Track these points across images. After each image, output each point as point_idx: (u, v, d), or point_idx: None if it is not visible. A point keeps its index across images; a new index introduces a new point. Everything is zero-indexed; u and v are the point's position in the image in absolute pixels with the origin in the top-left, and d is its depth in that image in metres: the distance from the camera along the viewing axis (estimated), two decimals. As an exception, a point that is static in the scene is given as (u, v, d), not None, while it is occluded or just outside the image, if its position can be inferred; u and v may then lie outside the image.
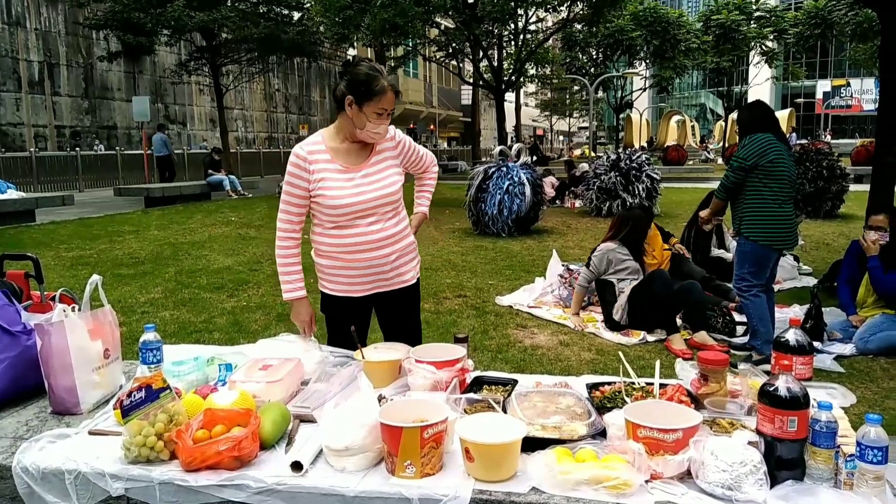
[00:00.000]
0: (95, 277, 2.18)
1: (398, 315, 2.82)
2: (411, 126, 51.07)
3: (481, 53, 23.26)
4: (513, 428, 1.71)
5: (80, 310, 2.16)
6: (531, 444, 1.73)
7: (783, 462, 1.59)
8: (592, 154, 28.38)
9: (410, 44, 24.87)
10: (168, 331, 5.29)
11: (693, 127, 47.03)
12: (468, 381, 2.22)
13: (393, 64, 27.69)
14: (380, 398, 2.01)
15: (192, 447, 1.70)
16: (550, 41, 30.80)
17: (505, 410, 1.91)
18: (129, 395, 1.76)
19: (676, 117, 43.02)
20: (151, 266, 7.99)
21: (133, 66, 27.04)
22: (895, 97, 6.69)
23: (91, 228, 11.22)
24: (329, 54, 36.77)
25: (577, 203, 14.19)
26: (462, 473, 1.67)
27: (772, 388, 1.60)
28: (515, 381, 2.20)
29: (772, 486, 1.55)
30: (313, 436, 1.82)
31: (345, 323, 2.54)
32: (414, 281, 2.80)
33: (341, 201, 2.53)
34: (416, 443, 1.64)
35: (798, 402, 1.57)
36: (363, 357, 2.30)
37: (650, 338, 5.13)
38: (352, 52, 40.26)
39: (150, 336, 2.12)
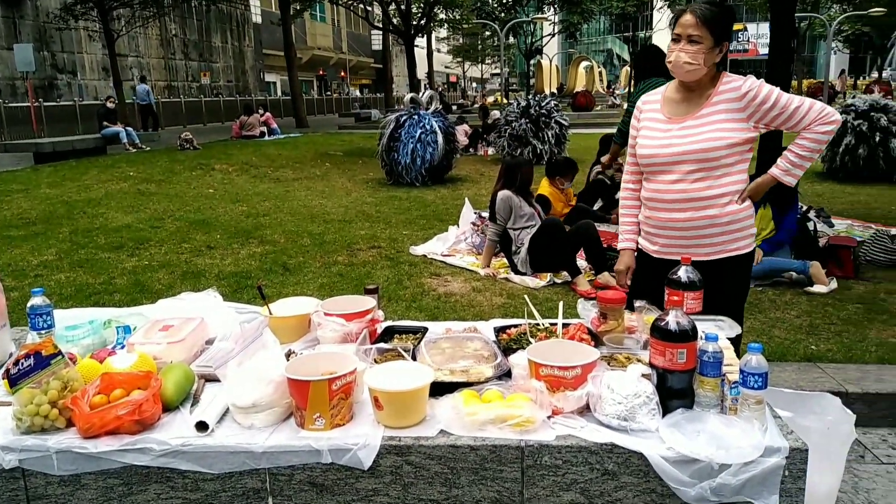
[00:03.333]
0: (-28, 241, 2.03)
1: None
2: (321, 72, 49.60)
3: (389, -3, 22.69)
4: (420, 374, 1.74)
5: (-43, 276, 2.02)
6: (440, 389, 1.77)
7: (674, 392, 1.69)
8: (504, 101, 28.44)
9: (315, -14, 23.97)
10: (64, 294, 5.03)
11: (600, 73, 47.81)
12: (379, 331, 2.23)
13: (298, 7, 26.62)
14: (289, 354, 2.00)
15: (89, 413, 1.64)
16: (460, -16, 30.39)
17: (415, 358, 1.93)
18: (16, 364, 1.67)
19: (585, 63, 43.54)
20: (43, 226, 7.52)
21: (12, 10, 24.82)
22: (784, 40, 7.00)
23: (-27, 188, 10.42)
24: (229, -3, 34.95)
25: (490, 151, 14.25)
26: (372, 422, 1.70)
27: (662, 323, 1.69)
28: (426, 329, 2.23)
29: (664, 415, 1.65)
30: (219, 395, 1.80)
31: (640, 279, 2.55)
32: (721, 256, 2.40)
33: (645, 151, 2.46)
34: (324, 395, 1.64)
35: (686, 335, 1.67)
36: (270, 313, 2.26)
37: (557, 280, 5.29)
38: (254, -5, 38.43)
39: (37, 300, 2.01)
